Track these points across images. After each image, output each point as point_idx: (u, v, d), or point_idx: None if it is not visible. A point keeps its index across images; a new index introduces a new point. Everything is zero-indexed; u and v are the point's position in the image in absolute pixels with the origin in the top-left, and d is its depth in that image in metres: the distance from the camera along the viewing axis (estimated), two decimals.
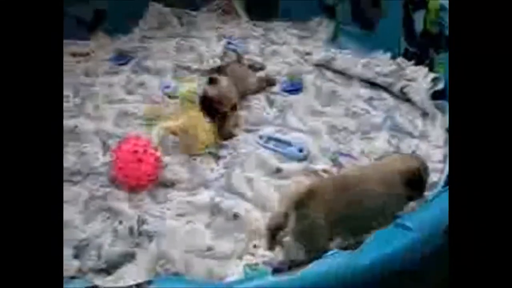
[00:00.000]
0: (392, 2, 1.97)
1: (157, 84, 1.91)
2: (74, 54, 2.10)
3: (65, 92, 1.86)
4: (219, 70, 1.80)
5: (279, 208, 1.26)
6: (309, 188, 1.20)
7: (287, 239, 1.22)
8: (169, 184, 1.50)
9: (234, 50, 2.05)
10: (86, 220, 1.40)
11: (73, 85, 1.92)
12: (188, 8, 2.30)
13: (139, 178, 1.45)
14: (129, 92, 1.89)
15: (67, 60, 2.03)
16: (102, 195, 1.47)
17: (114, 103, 1.83)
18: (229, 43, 2.10)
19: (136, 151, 1.44)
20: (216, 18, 2.29)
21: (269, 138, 1.63)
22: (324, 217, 1.17)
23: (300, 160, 1.56)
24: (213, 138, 1.58)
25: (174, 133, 1.57)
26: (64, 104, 1.79)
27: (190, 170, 1.54)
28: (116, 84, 1.92)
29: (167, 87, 1.86)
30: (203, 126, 1.56)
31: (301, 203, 1.17)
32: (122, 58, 2.06)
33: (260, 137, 1.64)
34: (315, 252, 1.08)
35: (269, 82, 1.88)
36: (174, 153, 1.58)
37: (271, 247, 1.25)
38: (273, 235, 1.24)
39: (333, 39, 2.17)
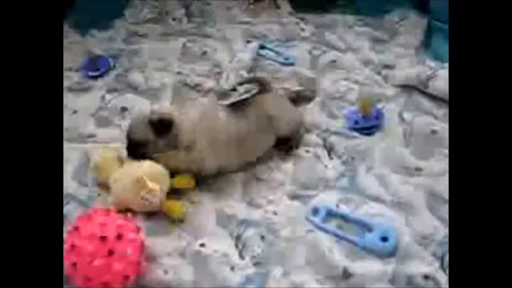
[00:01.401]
0: None
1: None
2: None
3: None
4: (243, 104, 1.49)
5: None
6: None
7: None
8: None
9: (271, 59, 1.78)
10: None
11: None
12: None
13: (108, 283, 1.15)
14: (102, 124, 1.63)
15: None
16: None
17: (79, 142, 1.56)
18: (262, 47, 1.86)
19: (104, 237, 1.13)
20: (243, 8, 2.11)
21: (330, 214, 1.30)
22: None
23: (386, 257, 1.21)
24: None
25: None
26: None
27: (195, 266, 1.23)
28: (84, 109, 1.66)
29: None
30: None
31: None
32: (95, 67, 1.83)
33: (315, 211, 1.31)
34: None
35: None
36: (168, 233, 1.31)
37: None
38: None
39: (427, 45, 1.91)
